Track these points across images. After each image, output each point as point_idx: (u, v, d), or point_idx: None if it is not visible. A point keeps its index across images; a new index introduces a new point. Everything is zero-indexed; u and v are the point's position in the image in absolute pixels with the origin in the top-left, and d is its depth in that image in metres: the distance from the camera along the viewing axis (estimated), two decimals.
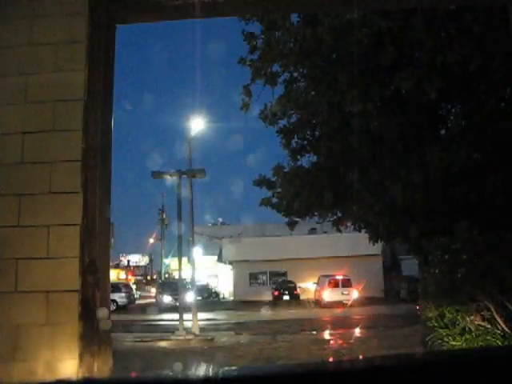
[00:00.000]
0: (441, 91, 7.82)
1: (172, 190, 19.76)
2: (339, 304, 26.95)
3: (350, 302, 26.81)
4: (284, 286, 34.74)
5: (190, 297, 20.49)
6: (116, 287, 29.73)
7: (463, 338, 7.14)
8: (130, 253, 58.13)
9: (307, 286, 33.61)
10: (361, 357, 7.27)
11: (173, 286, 30.76)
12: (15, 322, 2.87)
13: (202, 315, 20.26)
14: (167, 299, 31.30)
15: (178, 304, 19.56)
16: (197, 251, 30.49)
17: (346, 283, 29.12)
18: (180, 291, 19.83)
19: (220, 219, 57.63)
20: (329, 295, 28.54)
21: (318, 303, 30.24)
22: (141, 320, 24.13)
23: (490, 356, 1.11)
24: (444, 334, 7.46)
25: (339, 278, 29.24)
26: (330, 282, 28.89)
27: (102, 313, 2.96)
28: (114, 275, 41.46)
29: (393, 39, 7.95)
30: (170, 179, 19.73)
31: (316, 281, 31.99)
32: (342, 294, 28.46)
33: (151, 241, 58.46)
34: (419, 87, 7.76)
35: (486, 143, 8.09)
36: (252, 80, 10.17)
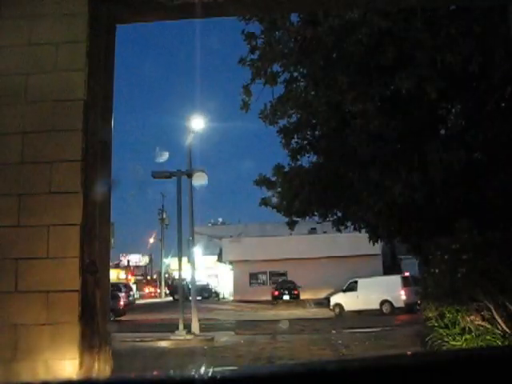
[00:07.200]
0: (441, 91, 7.81)
1: (173, 189, 19.73)
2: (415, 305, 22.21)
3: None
4: (284, 286, 34.74)
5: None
6: (116, 287, 29.72)
7: (463, 338, 7.14)
8: (130, 253, 58.13)
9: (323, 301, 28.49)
10: (361, 357, 7.27)
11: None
12: (15, 321, 2.87)
13: (201, 315, 20.24)
14: None
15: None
16: (197, 251, 30.47)
17: (411, 282, 24.45)
18: (179, 291, 19.91)
19: (220, 219, 57.70)
20: (406, 296, 24.10)
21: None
22: (141, 319, 24.14)
23: (490, 356, 1.11)
24: (444, 333, 7.46)
25: (408, 275, 24.96)
26: (404, 280, 25.01)
27: None
28: (114, 275, 41.49)
29: (393, 39, 7.93)
30: (170, 179, 19.75)
31: (345, 287, 27.27)
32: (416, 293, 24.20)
33: (151, 241, 58.49)
34: (419, 87, 7.75)
35: (486, 143, 8.09)
36: (252, 80, 10.16)
